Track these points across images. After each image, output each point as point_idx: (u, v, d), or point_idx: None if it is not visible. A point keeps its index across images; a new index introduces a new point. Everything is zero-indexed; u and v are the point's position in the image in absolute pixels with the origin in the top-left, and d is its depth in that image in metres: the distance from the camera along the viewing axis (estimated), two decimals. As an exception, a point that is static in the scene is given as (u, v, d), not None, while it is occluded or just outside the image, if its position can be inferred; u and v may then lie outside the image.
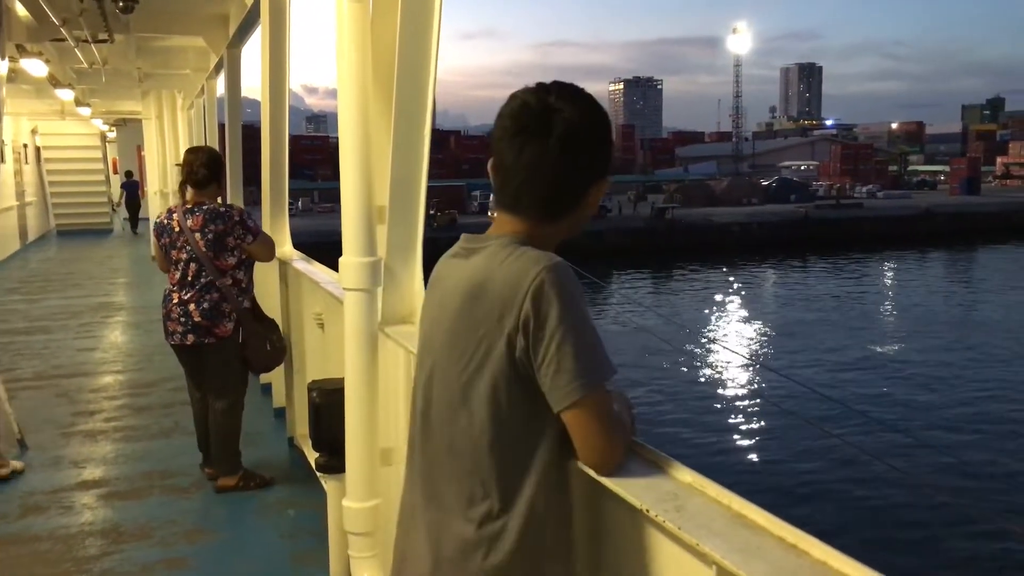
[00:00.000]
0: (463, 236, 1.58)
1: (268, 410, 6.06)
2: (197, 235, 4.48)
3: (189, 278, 4.50)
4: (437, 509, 1.55)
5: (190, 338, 4.49)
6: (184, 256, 4.50)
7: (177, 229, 4.52)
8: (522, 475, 1.45)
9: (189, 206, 4.57)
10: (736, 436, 14.52)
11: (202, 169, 4.60)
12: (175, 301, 4.51)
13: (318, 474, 3.32)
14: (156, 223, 4.70)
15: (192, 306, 4.47)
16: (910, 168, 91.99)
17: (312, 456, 3.74)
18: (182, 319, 4.48)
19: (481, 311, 1.45)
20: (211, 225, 4.49)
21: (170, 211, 4.65)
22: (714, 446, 13.69)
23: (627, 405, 1.65)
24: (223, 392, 4.61)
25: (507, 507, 1.45)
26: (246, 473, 4.70)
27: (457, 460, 1.51)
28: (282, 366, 5.45)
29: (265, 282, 5.99)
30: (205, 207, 4.56)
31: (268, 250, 4.84)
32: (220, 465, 4.67)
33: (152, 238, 4.80)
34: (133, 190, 22.35)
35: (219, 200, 4.75)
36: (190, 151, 4.88)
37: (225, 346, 4.55)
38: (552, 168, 1.47)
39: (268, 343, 4.78)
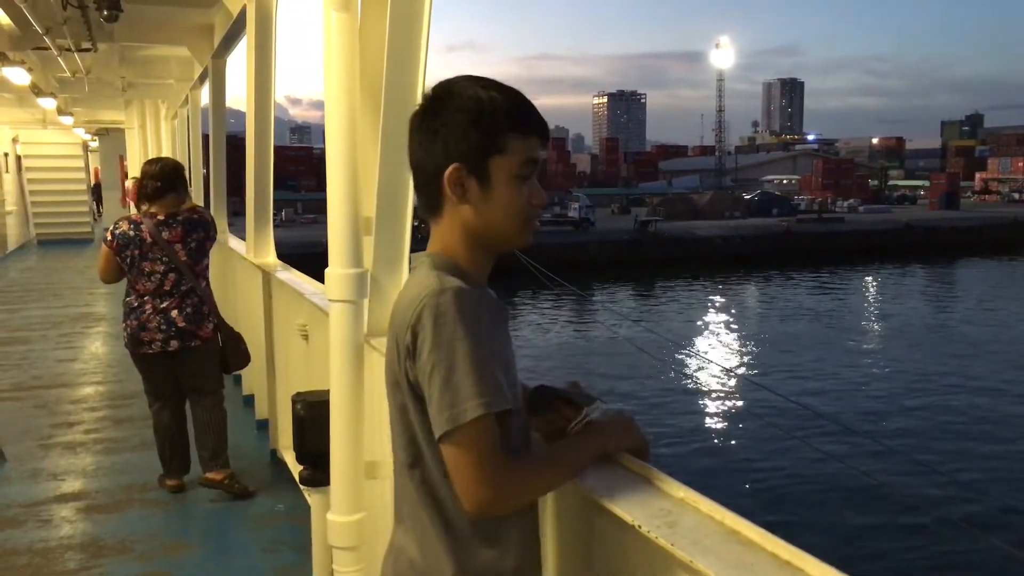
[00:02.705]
0: (413, 255, 1.59)
1: (251, 422, 6.01)
2: (178, 246, 4.54)
3: (166, 287, 4.53)
4: (397, 524, 1.57)
5: (173, 344, 4.54)
6: (160, 268, 4.52)
7: (149, 240, 4.51)
8: (444, 492, 1.45)
9: (161, 218, 4.56)
10: (721, 449, 14.55)
11: (153, 182, 4.58)
12: (150, 311, 4.51)
13: (302, 487, 3.28)
14: (118, 234, 4.55)
15: (175, 312, 4.53)
16: (890, 183, 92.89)
17: (296, 469, 3.71)
18: (163, 327, 4.51)
19: (391, 334, 1.48)
20: (192, 235, 4.60)
21: (134, 222, 4.57)
22: (701, 460, 13.69)
23: (586, 443, 1.57)
24: (211, 389, 4.76)
25: (435, 529, 1.46)
26: (233, 474, 4.72)
27: (398, 477, 1.55)
28: (265, 378, 5.53)
29: (248, 293, 5.95)
30: (181, 217, 4.60)
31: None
32: (212, 459, 4.70)
33: (103, 248, 4.63)
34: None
35: (182, 207, 4.69)
36: (147, 163, 4.81)
37: (209, 347, 4.69)
38: (411, 153, 1.51)
39: (242, 342, 4.92)
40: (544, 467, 1.50)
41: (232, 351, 4.83)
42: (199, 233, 4.63)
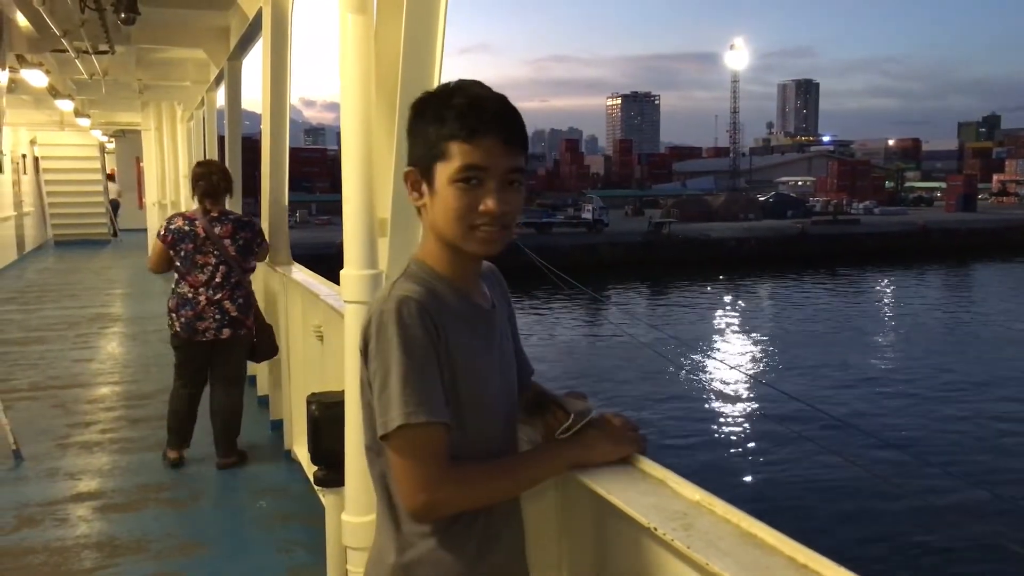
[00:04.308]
0: None
1: (265, 423, 6.03)
2: (227, 241, 5.00)
3: (218, 279, 4.97)
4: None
5: (226, 332, 4.99)
6: (212, 260, 4.97)
7: (203, 235, 4.96)
8: (392, 488, 1.50)
9: (214, 215, 5.03)
10: (736, 452, 14.49)
11: (222, 182, 5.10)
12: (204, 302, 4.95)
13: (316, 488, 3.29)
14: (173, 229, 4.99)
15: (228, 303, 4.98)
16: (907, 184, 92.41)
17: (310, 470, 3.71)
18: (217, 315, 4.96)
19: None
20: (241, 233, 5.06)
21: (189, 218, 5.03)
22: (716, 462, 13.64)
23: (594, 445, 1.60)
24: (238, 378, 5.23)
25: (387, 520, 1.53)
26: (244, 454, 5.26)
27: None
28: (280, 379, 5.60)
29: (264, 294, 5.98)
30: (231, 216, 5.10)
31: (266, 252, 5.45)
32: (226, 445, 5.13)
33: (155, 242, 5.12)
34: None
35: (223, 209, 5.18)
36: (203, 164, 5.37)
37: (248, 336, 5.17)
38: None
39: (273, 333, 5.40)
40: (491, 477, 1.51)
41: (264, 340, 5.30)
42: (247, 232, 5.09)
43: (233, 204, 8.26)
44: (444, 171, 1.45)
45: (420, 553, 1.49)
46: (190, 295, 4.95)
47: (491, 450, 1.53)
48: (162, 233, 5.03)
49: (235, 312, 4.99)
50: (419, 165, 1.49)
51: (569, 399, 1.70)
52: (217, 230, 4.97)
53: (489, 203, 1.44)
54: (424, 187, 1.49)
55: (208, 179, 5.05)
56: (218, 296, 4.94)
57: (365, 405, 1.51)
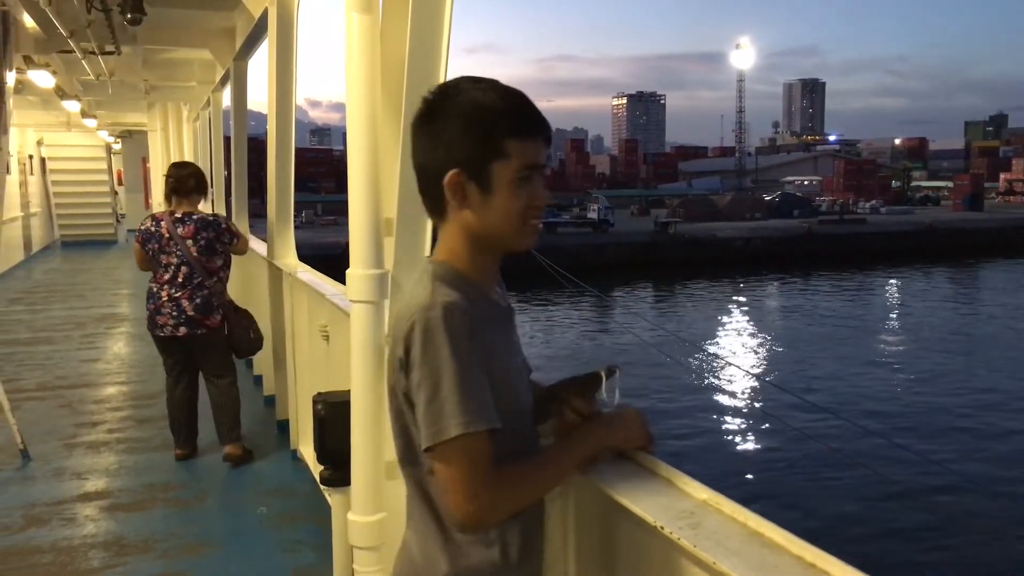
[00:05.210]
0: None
1: (271, 422, 6.04)
2: (189, 242, 5.12)
3: (180, 279, 5.11)
4: (407, 522, 1.61)
5: (182, 330, 5.12)
6: (174, 260, 5.12)
7: (166, 236, 5.13)
8: (437, 495, 1.47)
9: (178, 216, 5.17)
10: (743, 451, 14.46)
11: (190, 180, 5.25)
12: (165, 298, 5.11)
13: (322, 487, 3.29)
14: (142, 230, 5.26)
15: (185, 302, 5.10)
16: (913, 184, 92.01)
17: (316, 469, 3.72)
18: (174, 313, 5.10)
19: (390, 341, 1.51)
20: (203, 233, 5.16)
21: (156, 219, 5.24)
22: (723, 462, 13.62)
23: (588, 437, 1.59)
24: (222, 371, 5.33)
25: (432, 528, 1.50)
26: (247, 448, 5.36)
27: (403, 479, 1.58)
28: (285, 379, 5.62)
29: (270, 294, 5.99)
30: (195, 217, 5.21)
31: (245, 245, 5.61)
32: (229, 434, 5.29)
33: (134, 243, 5.35)
34: None
35: (199, 208, 5.37)
36: (176, 165, 5.56)
37: (216, 335, 5.23)
38: (414, 157, 1.52)
39: (251, 331, 5.46)
40: (532, 475, 1.50)
41: (239, 338, 5.36)
42: (209, 232, 5.17)
43: (238, 204, 8.29)
44: (504, 170, 1.44)
45: (473, 561, 1.48)
46: (155, 289, 5.17)
47: (524, 449, 1.52)
48: (136, 233, 5.33)
49: (191, 312, 5.10)
50: (468, 166, 1.44)
51: (586, 375, 1.69)
52: (180, 230, 5.12)
53: (542, 196, 1.50)
54: (472, 188, 1.45)
55: (176, 178, 5.24)
56: (178, 295, 5.10)
57: (396, 414, 1.49)
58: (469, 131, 1.43)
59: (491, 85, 1.47)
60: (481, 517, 1.41)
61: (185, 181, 5.22)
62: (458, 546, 1.48)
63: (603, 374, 1.64)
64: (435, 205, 1.51)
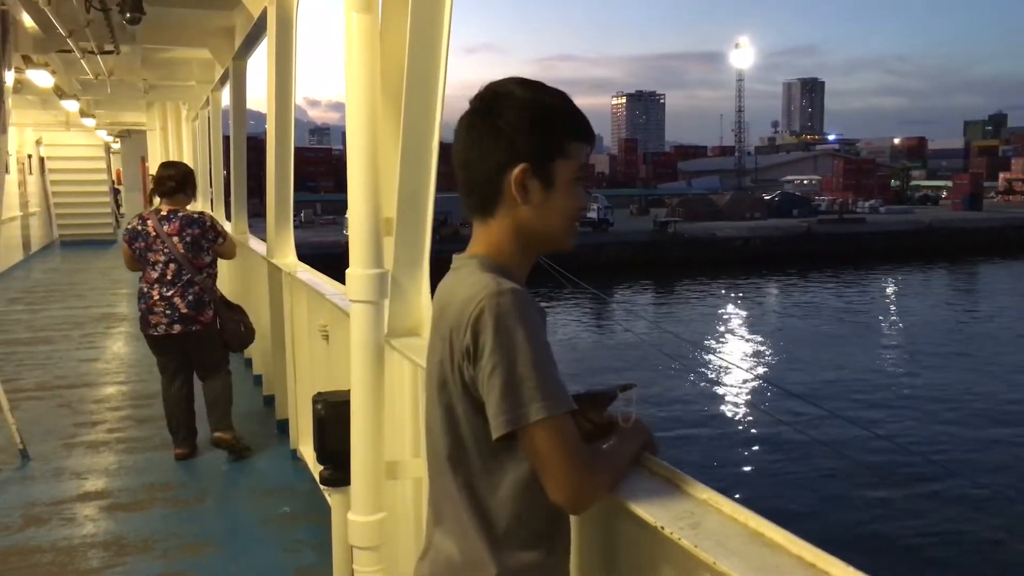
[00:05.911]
0: (454, 255, 1.57)
1: (271, 422, 6.04)
2: (175, 239, 5.17)
3: (169, 277, 5.15)
4: (436, 524, 1.56)
5: (176, 328, 5.15)
6: (162, 258, 5.16)
7: (153, 234, 5.17)
8: (488, 494, 1.45)
9: (164, 213, 5.23)
10: (743, 451, 14.47)
11: (169, 182, 5.29)
12: (156, 297, 5.14)
13: (322, 487, 3.29)
14: (128, 229, 5.31)
15: (177, 300, 5.14)
16: (912, 183, 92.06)
17: (316, 469, 3.72)
18: (167, 312, 5.14)
19: (439, 334, 1.48)
20: (188, 230, 5.20)
21: (143, 218, 5.29)
22: (723, 462, 13.63)
23: (631, 437, 1.59)
24: (216, 367, 5.38)
25: (477, 529, 1.46)
26: (237, 434, 5.39)
27: (437, 477, 1.54)
28: (285, 378, 5.62)
29: (269, 294, 5.98)
30: (180, 214, 5.25)
31: (234, 249, 5.63)
32: (219, 423, 5.34)
33: (121, 243, 5.41)
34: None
35: (187, 208, 5.41)
36: (163, 166, 5.60)
37: (210, 331, 5.30)
38: (463, 153, 1.50)
39: (242, 325, 5.52)
40: (611, 463, 1.50)
41: (230, 332, 5.42)
42: (194, 229, 5.22)
43: (237, 204, 8.28)
44: (567, 168, 1.46)
45: (523, 563, 1.46)
46: (145, 289, 5.19)
47: None
48: (124, 233, 5.38)
49: (185, 309, 5.14)
50: (534, 162, 1.44)
51: (604, 388, 1.67)
52: (165, 228, 5.17)
53: (586, 200, 1.55)
54: (534, 185, 1.45)
55: (157, 178, 5.33)
56: (169, 293, 5.13)
57: (444, 410, 1.47)
58: (536, 128, 1.44)
59: (542, 86, 1.49)
60: (589, 493, 1.40)
61: (164, 183, 5.28)
62: (506, 547, 1.45)
63: (619, 391, 1.64)
64: (484, 201, 1.49)
